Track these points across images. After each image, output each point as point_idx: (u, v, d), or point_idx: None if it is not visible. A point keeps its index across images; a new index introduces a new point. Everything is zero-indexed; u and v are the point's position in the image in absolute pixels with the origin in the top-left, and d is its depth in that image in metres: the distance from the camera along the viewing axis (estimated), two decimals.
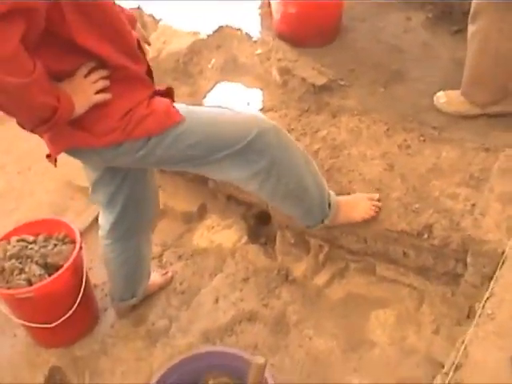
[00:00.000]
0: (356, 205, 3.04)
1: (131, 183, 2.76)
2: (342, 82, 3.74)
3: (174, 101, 2.51)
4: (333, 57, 3.93)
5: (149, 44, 2.79)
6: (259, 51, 3.94)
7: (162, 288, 3.43)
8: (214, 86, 3.97)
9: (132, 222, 2.92)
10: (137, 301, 3.29)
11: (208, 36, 3.95)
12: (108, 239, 3.01)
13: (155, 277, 3.42)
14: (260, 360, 2.32)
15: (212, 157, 2.51)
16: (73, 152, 2.44)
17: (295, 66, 3.75)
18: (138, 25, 2.68)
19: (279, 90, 3.83)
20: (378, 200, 3.07)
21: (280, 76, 3.79)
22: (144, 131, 2.35)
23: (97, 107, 2.25)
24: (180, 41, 3.92)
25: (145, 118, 2.33)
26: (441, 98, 3.59)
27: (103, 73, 2.23)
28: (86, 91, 2.19)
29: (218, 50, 4.00)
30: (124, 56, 2.26)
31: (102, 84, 2.23)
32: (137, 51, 2.33)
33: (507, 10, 3.12)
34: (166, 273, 3.49)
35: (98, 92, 2.23)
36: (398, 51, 4.01)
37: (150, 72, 2.46)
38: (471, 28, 3.33)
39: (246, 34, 3.99)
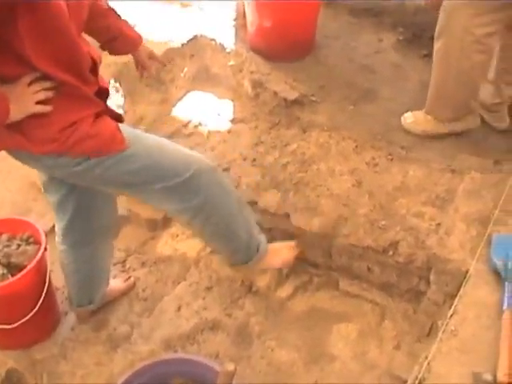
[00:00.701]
0: (278, 252, 3.13)
1: (82, 190, 2.72)
2: (313, 98, 3.77)
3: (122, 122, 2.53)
4: (305, 72, 3.96)
5: (164, 65, 3.01)
6: (232, 63, 3.96)
7: (124, 294, 3.41)
8: (185, 94, 3.98)
9: (84, 229, 2.90)
10: (94, 307, 3.26)
11: (182, 45, 3.95)
12: (62, 245, 2.99)
13: (117, 283, 3.40)
14: (230, 367, 2.32)
15: (148, 186, 2.53)
16: (13, 153, 2.42)
17: (268, 79, 3.77)
18: (145, 46, 2.84)
19: (251, 103, 3.86)
20: (297, 246, 3.18)
21: (252, 88, 3.81)
22: (84, 151, 2.34)
23: (37, 116, 2.23)
24: (154, 48, 3.87)
25: (88, 137, 2.32)
26: (408, 118, 3.66)
27: (47, 84, 2.21)
28: (25, 100, 2.18)
29: (191, 59, 4.01)
30: (73, 76, 2.24)
31: (43, 95, 2.21)
32: (87, 74, 2.31)
33: (466, 32, 3.21)
34: (129, 278, 3.46)
35: (39, 102, 2.21)
36: (369, 71, 4.07)
37: (102, 93, 2.45)
38: (436, 45, 3.42)
39: (220, 44, 4.01)
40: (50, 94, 2.22)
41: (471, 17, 3.16)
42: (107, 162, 2.39)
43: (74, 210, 2.79)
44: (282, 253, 3.15)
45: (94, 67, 2.36)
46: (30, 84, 2.18)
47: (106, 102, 2.47)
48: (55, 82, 2.22)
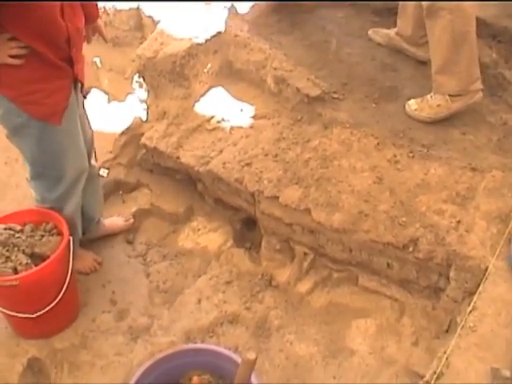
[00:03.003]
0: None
1: None
2: (336, 95, 3.77)
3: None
4: (327, 70, 3.97)
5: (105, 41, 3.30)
6: (255, 59, 3.96)
7: (122, 231, 3.73)
8: (208, 90, 3.99)
9: None
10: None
11: (206, 40, 3.96)
12: None
13: (118, 220, 3.70)
14: (251, 356, 2.34)
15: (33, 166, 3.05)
16: None
17: (290, 75, 3.77)
18: (99, 21, 3.15)
19: (273, 99, 3.86)
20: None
21: (275, 84, 3.82)
22: (31, 111, 2.79)
23: (8, 66, 2.63)
24: (178, 43, 3.93)
25: (42, 104, 2.79)
26: (412, 105, 3.69)
27: (22, 44, 2.60)
28: (1, 50, 2.59)
29: (214, 55, 4.02)
30: (44, 46, 2.65)
31: (15, 51, 2.60)
32: (61, 44, 2.71)
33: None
34: (129, 219, 3.72)
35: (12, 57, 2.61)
36: (391, 69, 4.06)
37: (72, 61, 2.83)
38: (428, 24, 3.55)
39: (244, 40, 4.01)
40: (22, 51, 2.61)
41: None
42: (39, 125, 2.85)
43: None
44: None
45: (69, 39, 2.73)
46: (9, 40, 2.59)
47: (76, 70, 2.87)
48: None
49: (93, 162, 3.36)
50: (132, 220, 3.76)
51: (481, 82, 3.61)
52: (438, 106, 3.59)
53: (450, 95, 3.58)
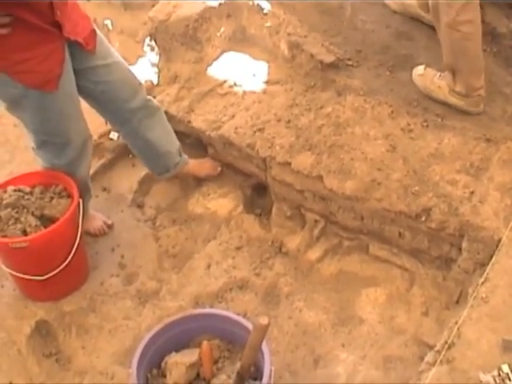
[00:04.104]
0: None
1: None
2: (350, 62, 3.72)
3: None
4: (342, 36, 3.91)
5: None
6: (269, 24, 3.92)
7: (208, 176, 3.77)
8: (220, 54, 3.96)
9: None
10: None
11: (219, 4, 3.92)
12: None
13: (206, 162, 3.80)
14: (264, 320, 2.34)
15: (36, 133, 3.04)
16: None
17: (304, 41, 3.72)
18: None
19: (286, 64, 3.82)
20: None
21: (288, 50, 3.77)
22: (24, 80, 2.74)
23: None
24: (191, 6, 3.89)
25: (33, 72, 2.74)
26: (419, 70, 3.61)
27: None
28: None
29: (227, 19, 3.98)
30: (28, 12, 2.59)
31: (1, 20, 2.54)
32: (44, 9, 2.65)
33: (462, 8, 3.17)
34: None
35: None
36: (406, 38, 4.00)
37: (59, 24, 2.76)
38: (435, 24, 3.44)
39: (257, 5, 3.97)
40: (5, 19, 2.55)
41: None
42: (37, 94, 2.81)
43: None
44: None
45: (51, 3, 2.67)
46: None
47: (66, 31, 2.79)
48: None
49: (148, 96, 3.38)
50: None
51: (484, 91, 3.45)
52: (439, 87, 3.52)
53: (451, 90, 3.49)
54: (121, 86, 3.13)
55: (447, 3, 3.16)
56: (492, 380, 2.17)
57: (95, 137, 3.73)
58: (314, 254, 3.31)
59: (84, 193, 3.19)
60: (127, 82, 3.18)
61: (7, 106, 2.92)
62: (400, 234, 3.12)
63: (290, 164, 3.25)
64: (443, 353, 2.28)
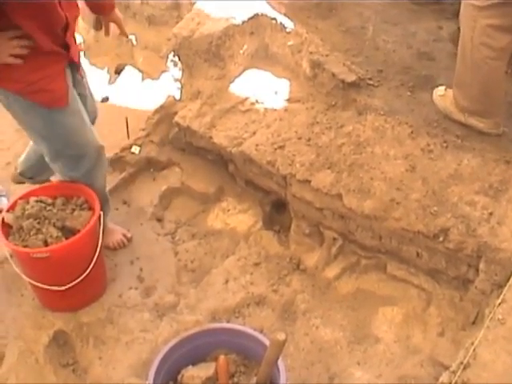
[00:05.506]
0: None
1: None
2: (371, 82, 3.74)
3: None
4: (363, 56, 3.94)
5: (126, 36, 3.42)
6: (291, 42, 3.95)
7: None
8: (243, 71, 4.00)
9: None
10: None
11: (243, 22, 3.96)
12: None
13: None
14: (281, 336, 2.35)
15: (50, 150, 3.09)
16: None
17: (326, 60, 3.75)
18: (116, 11, 3.23)
19: (308, 83, 3.85)
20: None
21: (310, 69, 3.80)
22: (35, 99, 2.83)
23: (8, 64, 2.68)
24: (214, 23, 3.93)
25: (43, 91, 2.83)
26: (439, 91, 3.62)
27: (24, 42, 2.65)
28: (2, 51, 2.63)
29: (250, 37, 4.01)
30: (44, 34, 2.70)
31: (18, 51, 2.65)
32: (58, 32, 2.77)
33: (474, 21, 3.19)
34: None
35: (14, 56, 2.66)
36: (427, 58, 4.03)
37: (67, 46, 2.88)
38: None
39: (280, 24, 4.00)
40: (24, 51, 2.66)
41: (477, 7, 3.15)
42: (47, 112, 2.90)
43: None
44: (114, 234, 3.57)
45: (67, 27, 2.81)
46: (11, 39, 2.63)
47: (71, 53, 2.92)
48: (32, 41, 2.67)
49: None
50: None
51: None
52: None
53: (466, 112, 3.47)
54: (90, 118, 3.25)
55: None
56: None
57: (117, 150, 3.78)
58: (331, 271, 3.32)
59: (103, 203, 3.22)
60: (93, 118, 3.35)
61: (21, 124, 3.06)
62: (418, 253, 3.12)
63: (309, 182, 3.26)
64: (458, 373, 2.27)
